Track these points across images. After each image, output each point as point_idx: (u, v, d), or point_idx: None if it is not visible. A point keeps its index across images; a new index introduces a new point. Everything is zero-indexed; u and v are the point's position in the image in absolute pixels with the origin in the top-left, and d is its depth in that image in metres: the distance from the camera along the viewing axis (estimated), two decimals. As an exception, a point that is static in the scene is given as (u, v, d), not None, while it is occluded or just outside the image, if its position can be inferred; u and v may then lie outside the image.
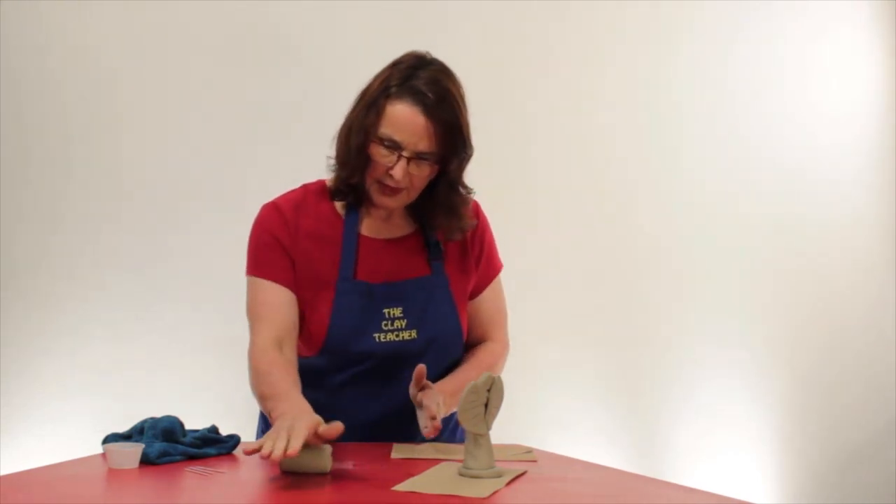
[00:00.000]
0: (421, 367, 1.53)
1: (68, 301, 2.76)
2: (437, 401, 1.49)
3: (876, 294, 3.36)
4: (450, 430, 1.73)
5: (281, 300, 1.59)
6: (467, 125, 1.57)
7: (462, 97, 1.56)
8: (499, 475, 1.24)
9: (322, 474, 1.26)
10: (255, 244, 1.64)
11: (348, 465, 1.33)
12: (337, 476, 1.26)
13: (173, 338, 2.76)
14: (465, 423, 1.25)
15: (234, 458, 1.43)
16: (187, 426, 1.47)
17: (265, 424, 1.64)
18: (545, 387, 2.99)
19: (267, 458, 1.17)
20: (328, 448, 1.28)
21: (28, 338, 2.73)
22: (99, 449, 1.41)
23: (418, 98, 1.51)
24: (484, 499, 1.10)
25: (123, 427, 1.47)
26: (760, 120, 3.31)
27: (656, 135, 3.23)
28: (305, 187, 1.70)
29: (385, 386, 1.63)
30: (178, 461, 1.36)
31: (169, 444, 1.37)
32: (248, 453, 1.22)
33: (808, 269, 3.30)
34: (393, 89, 1.52)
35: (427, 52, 1.59)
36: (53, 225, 2.79)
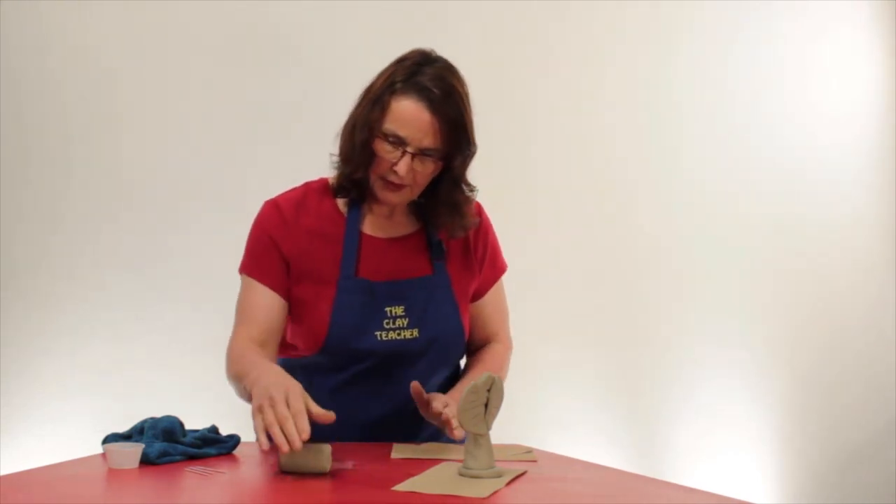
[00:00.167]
0: (415, 385, 1.53)
1: (68, 301, 2.76)
2: (443, 402, 1.50)
3: (876, 294, 3.36)
4: None
5: (269, 304, 1.60)
6: (471, 122, 1.57)
7: (466, 94, 1.57)
8: (499, 475, 1.24)
9: (322, 474, 1.26)
10: (252, 243, 1.65)
11: (348, 465, 1.33)
12: (337, 476, 1.26)
13: (173, 338, 2.77)
14: (465, 423, 1.25)
15: (234, 458, 1.43)
16: (187, 426, 1.47)
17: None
18: (545, 387, 2.99)
19: (287, 448, 1.20)
20: (328, 448, 1.29)
21: (28, 338, 2.73)
22: (99, 449, 1.41)
23: (423, 94, 1.51)
24: (484, 499, 1.10)
25: (123, 427, 1.47)
26: (760, 120, 3.31)
27: (656, 135, 3.23)
28: (307, 185, 1.70)
29: (385, 385, 1.62)
30: (178, 461, 1.36)
31: (169, 444, 1.37)
32: (266, 450, 1.24)
33: (808, 269, 3.30)
34: (398, 85, 1.53)
35: (432, 50, 1.59)
36: (53, 225, 2.79)
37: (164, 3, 2.87)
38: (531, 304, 2.84)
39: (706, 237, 3.23)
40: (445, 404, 1.50)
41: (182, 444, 1.40)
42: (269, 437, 1.22)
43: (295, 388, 1.30)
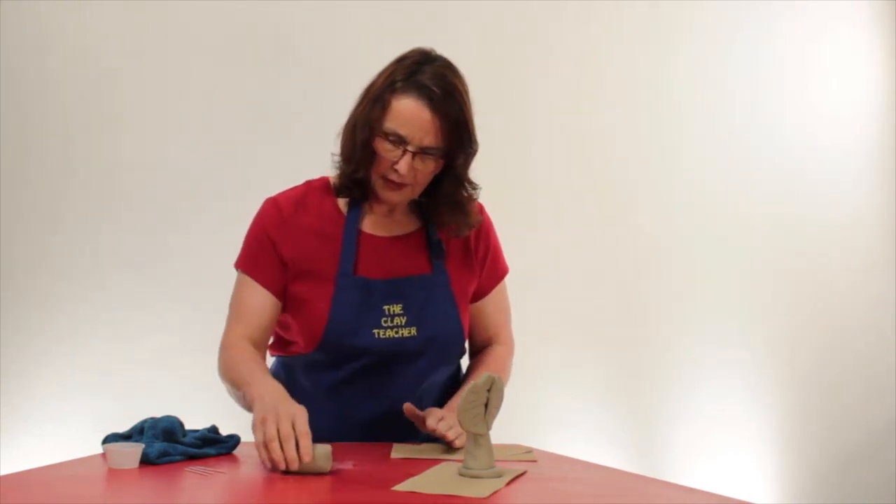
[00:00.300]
0: (408, 406, 1.54)
1: (68, 301, 2.76)
2: (438, 416, 1.51)
3: (876, 294, 3.36)
4: None
5: (262, 303, 1.62)
6: (472, 121, 1.58)
7: (467, 93, 1.57)
8: (499, 475, 1.24)
9: (322, 474, 1.26)
10: (250, 240, 1.67)
11: (348, 465, 1.33)
12: (337, 476, 1.26)
13: (173, 338, 2.76)
14: (465, 423, 1.25)
15: (234, 458, 1.43)
16: (187, 426, 1.47)
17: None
18: (545, 387, 2.99)
19: (285, 468, 1.25)
20: (328, 448, 1.29)
21: (28, 338, 2.73)
22: (99, 449, 1.41)
23: (424, 93, 1.51)
24: (484, 499, 1.10)
25: (123, 427, 1.47)
26: (760, 120, 3.31)
27: (656, 135, 3.23)
28: (308, 184, 1.70)
29: (384, 384, 1.63)
30: (178, 461, 1.36)
31: (169, 444, 1.37)
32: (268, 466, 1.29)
33: (808, 269, 3.30)
34: (398, 84, 1.53)
35: (432, 49, 1.59)
36: (53, 225, 2.79)
37: (164, 3, 2.87)
38: (531, 304, 2.83)
39: (706, 237, 3.23)
40: (440, 418, 1.51)
41: (182, 444, 1.40)
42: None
43: (302, 410, 1.33)
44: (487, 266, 1.75)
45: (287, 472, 1.27)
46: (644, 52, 3.23)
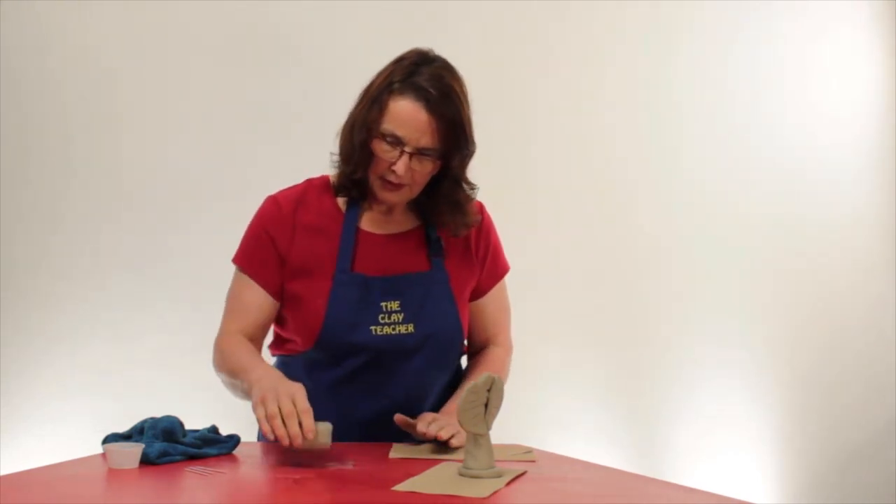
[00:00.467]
0: (399, 417, 1.55)
1: (68, 301, 2.76)
2: (428, 420, 1.52)
3: (876, 294, 3.36)
4: None
5: (259, 303, 1.64)
6: (469, 121, 1.58)
7: (465, 94, 1.58)
8: (499, 475, 1.24)
9: (324, 452, 1.29)
10: (249, 237, 1.68)
11: (348, 465, 1.33)
12: (337, 476, 1.26)
13: (173, 338, 2.76)
14: (465, 423, 1.25)
15: (234, 458, 1.43)
16: (187, 426, 1.47)
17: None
18: (545, 387, 2.99)
19: (289, 446, 1.30)
20: (329, 425, 1.31)
21: (28, 338, 2.73)
22: (99, 449, 1.41)
23: (420, 94, 1.52)
24: (484, 499, 1.10)
25: (123, 427, 1.47)
26: (760, 120, 3.31)
27: (656, 135, 3.23)
28: (309, 182, 1.71)
29: (382, 383, 1.63)
30: (178, 461, 1.36)
31: (169, 444, 1.37)
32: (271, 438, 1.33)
33: (808, 269, 3.30)
34: (396, 85, 1.54)
35: (430, 49, 1.60)
36: (53, 225, 2.79)
37: (164, 3, 2.87)
38: (531, 304, 2.83)
39: (706, 237, 3.22)
40: (430, 421, 1.51)
41: (182, 444, 1.40)
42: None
43: (301, 388, 1.37)
44: (487, 265, 1.75)
45: (290, 450, 1.29)
46: (644, 52, 3.23)
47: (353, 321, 1.60)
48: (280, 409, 1.32)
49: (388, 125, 1.53)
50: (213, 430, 1.51)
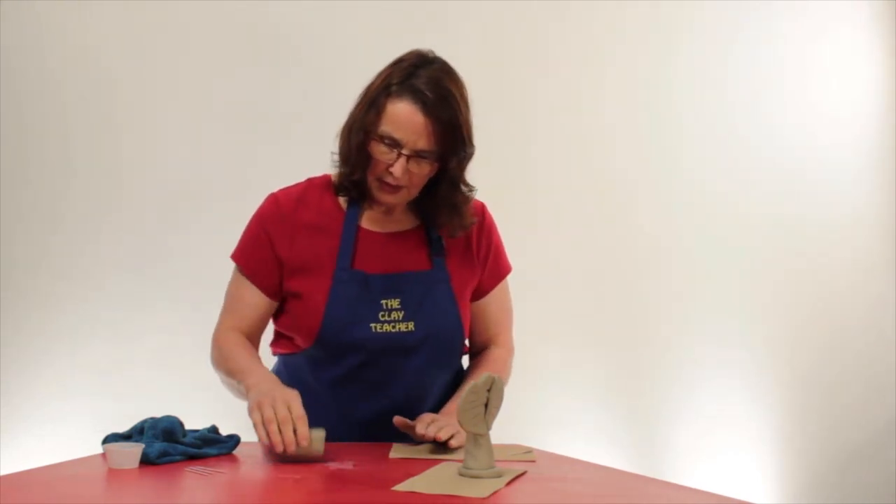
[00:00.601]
0: (398, 419, 1.55)
1: (68, 301, 2.76)
2: (426, 422, 1.52)
3: (876, 294, 3.36)
4: None
5: (254, 301, 1.66)
6: (468, 124, 1.58)
7: (463, 96, 1.57)
8: (499, 475, 1.24)
9: (318, 460, 1.28)
10: (248, 235, 1.69)
11: (348, 465, 1.33)
12: (337, 476, 1.26)
13: (173, 338, 2.76)
14: (465, 423, 1.25)
15: (234, 458, 1.43)
16: (187, 426, 1.47)
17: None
18: (545, 387, 2.99)
19: (282, 452, 1.32)
20: (322, 432, 1.30)
21: (28, 338, 2.73)
22: (99, 449, 1.41)
23: (418, 97, 1.52)
24: (484, 499, 1.10)
25: (123, 427, 1.47)
26: (760, 120, 3.31)
27: (656, 135, 3.23)
28: (310, 181, 1.72)
29: (382, 382, 1.62)
30: (178, 461, 1.36)
31: (169, 444, 1.37)
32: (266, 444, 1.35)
33: (808, 269, 3.30)
34: (393, 88, 1.54)
35: (430, 51, 1.59)
36: (53, 225, 2.79)
37: (164, 4, 2.87)
38: (531, 304, 2.82)
39: (706, 237, 3.23)
40: (431, 421, 1.51)
41: (182, 444, 1.40)
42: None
43: (296, 394, 1.39)
44: (489, 265, 1.75)
45: (283, 457, 1.29)
46: (644, 52, 3.23)
47: (353, 318, 1.60)
48: (275, 414, 1.34)
49: (386, 127, 1.54)
50: (213, 430, 1.50)
